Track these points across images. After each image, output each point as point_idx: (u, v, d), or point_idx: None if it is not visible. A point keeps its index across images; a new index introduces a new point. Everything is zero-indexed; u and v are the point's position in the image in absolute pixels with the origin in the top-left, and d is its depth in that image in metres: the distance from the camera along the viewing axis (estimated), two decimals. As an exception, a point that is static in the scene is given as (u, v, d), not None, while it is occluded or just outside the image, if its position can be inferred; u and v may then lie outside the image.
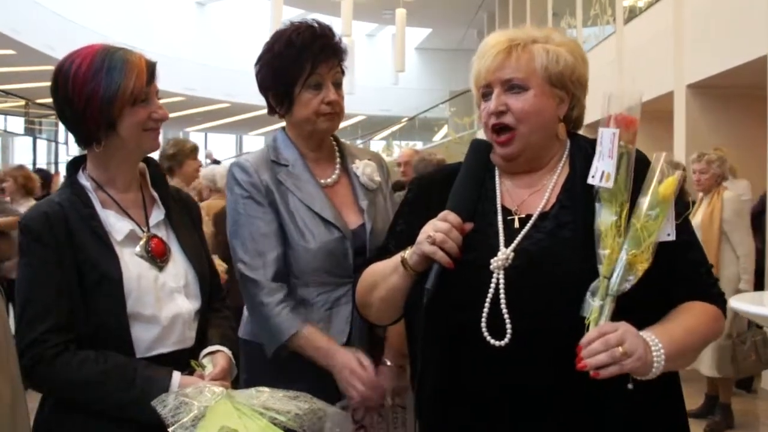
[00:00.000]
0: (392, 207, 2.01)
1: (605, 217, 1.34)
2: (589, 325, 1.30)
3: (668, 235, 1.37)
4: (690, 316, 1.39)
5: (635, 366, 1.25)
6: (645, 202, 1.34)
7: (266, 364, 1.84)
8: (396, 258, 1.46)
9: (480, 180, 1.49)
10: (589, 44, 10.33)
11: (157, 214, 1.66)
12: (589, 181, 1.38)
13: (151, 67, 1.58)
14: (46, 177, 8.94)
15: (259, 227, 1.83)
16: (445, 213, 1.40)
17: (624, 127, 1.35)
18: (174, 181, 4.28)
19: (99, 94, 1.50)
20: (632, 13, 8.84)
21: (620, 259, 1.32)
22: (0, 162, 21.59)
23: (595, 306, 1.31)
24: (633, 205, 1.36)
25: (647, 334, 1.30)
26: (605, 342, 1.24)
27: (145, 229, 1.62)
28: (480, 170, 1.49)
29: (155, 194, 1.69)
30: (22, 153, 21.34)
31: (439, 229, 1.37)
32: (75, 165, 1.64)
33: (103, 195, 1.60)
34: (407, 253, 1.43)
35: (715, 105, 7.16)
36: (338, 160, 2.00)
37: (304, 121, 1.89)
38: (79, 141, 1.59)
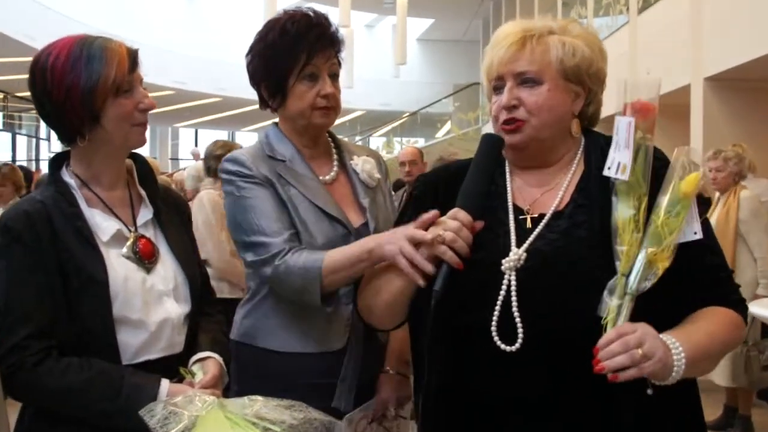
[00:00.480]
0: (392, 205, 2.01)
1: (622, 212, 1.34)
2: (606, 325, 1.30)
3: (695, 233, 1.38)
4: (710, 322, 1.39)
5: (655, 369, 1.25)
6: (665, 198, 1.34)
7: (258, 370, 1.84)
8: None
9: (491, 176, 1.48)
10: (601, 35, 10.29)
11: (145, 213, 1.66)
12: (605, 173, 1.38)
13: (132, 55, 1.57)
14: (26, 174, 8.94)
15: (272, 207, 1.80)
16: (455, 211, 1.39)
17: (641, 116, 1.36)
18: (217, 185, 4.29)
19: (79, 84, 1.50)
20: (647, 2, 8.84)
21: (639, 257, 1.32)
22: (-23, 159, 21.59)
23: (613, 305, 1.31)
24: (652, 200, 1.36)
25: (667, 337, 1.30)
26: (624, 343, 1.24)
27: (133, 229, 1.62)
28: (491, 166, 1.48)
29: (143, 192, 1.69)
30: (1, 149, 21.36)
31: (449, 228, 1.37)
32: (58, 161, 1.64)
33: (88, 193, 1.60)
34: None
35: (734, 99, 7.15)
36: (335, 156, 1.99)
37: (299, 115, 1.88)
38: (62, 137, 1.59)
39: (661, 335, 1.30)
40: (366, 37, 23.77)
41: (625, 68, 9.07)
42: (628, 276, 1.32)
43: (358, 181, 1.95)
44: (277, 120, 1.98)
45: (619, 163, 1.35)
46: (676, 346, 1.28)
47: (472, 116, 16.66)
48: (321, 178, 1.91)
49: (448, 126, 21.14)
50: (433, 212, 1.43)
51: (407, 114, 21.62)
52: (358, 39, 17.45)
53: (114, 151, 1.61)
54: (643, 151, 1.35)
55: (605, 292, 1.32)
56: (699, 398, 1.48)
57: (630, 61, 9.04)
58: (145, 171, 1.71)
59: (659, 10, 8.50)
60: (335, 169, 1.96)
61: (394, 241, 1.47)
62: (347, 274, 1.66)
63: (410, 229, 1.44)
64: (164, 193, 1.75)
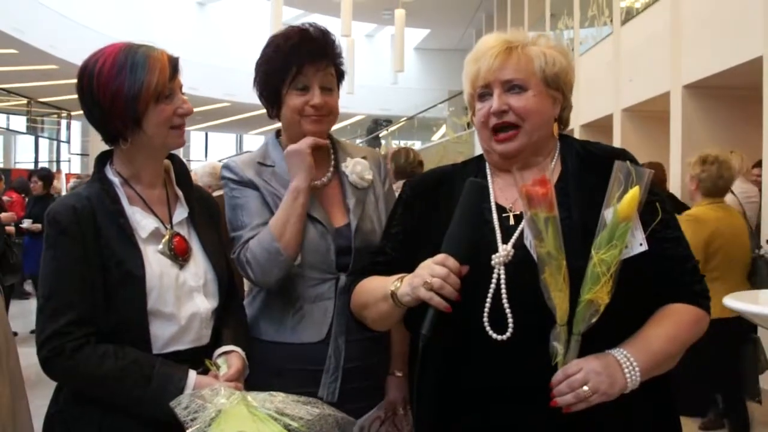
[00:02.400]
0: (386, 205, 1.98)
1: (548, 275, 1.33)
2: (557, 365, 1.34)
3: (640, 245, 1.36)
4: (672, 323, 1.41)
5: (601, 399, 1.31)
6: (604, 232, 1.33)
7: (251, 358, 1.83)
8: (385, 287, 1.44)
9: (477, 223, 1.42)
10: (586, 45, 10.33)
11: (181, 212, 1.67)
12: (525, 242, 1.39)
13: (173, 63, 1.59)
14: (47, 176, 8.88)
15: (257, 205, 1.84)
16: (443, 257, 1.34)
17: (534, 202, 1.33)
18: None
19: (124, 91, 1.51)
20: (629, 14, 8.84)
21: (579, 302, 1.33)
22: (2, 161, 21.61)
23: (559, 350, 1.34)
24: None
25: (621, 353, 1.34)
26: (569, 384, 1.32)
27: (169, 227, 1.62)
28: (477, 212, 1.42)
29: (179, 192, 1.69)
30: (24, 152, 21.36)
31: (437, 275, 1.32)
32: (102, 159, 1.64)
33: (129, 191, 1.61)
34: (400, 289, 1.39)
35: (711, 105, 7.16)
36: (332, 160, 1.97)
37: (291, 123, 1.88)
38: (106, 138, 1.60)
39: (617, 351, 1.35)
40: (366, 46, 23.74)
41: (609, 76, 9.07)
42: (568, 323, 1.34)
43: (347, 182, 1.93)
44: (280, 125, 1.98)
45: (529, 240, 1.37)
46: (630, 362, 1.33)
47: (466, 120, 16.61)
48: (312, 182, 1.88)
49: (443, 130, 21.11)
50: None
51: (405, 118, 21.60)
52: (358, 48, 17.43)
53: (154, 152, 1.62)
54: (551, 227, 1.32)
55: (551, 338, 1.34)
56: (669, 384, 1.51)
57: (614, 70, 9.03)
58: (181, 172, 1.72)
59: (641, 22, 8.50)
60: (329, 174, 1.94)
61: (301, 166, 1.78)
62: (294, 221, 1.77)
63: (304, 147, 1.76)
64: (198, 193, 1.75)
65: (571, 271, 1.34)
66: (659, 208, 1.42)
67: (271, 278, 1.80)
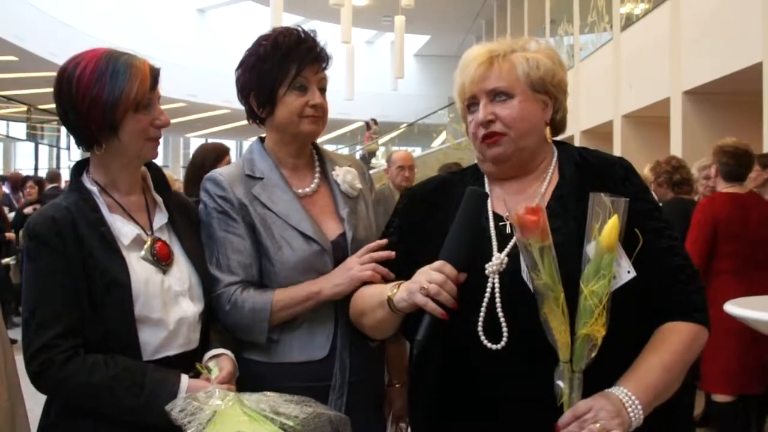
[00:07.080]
0: (374, 215, 1.95)
1: (547, 307, 1.31)
2: (563, 405, 1.32)
3: (628, 272, 1.35)
4: (667, 350, 1.38)
5: None
6: (588, 266, 1.32)
7: (246, 379, 1.74)
8: (382, 294, 1.45)
9: (475, 230, 1.42)
10: (586, 51, 10.35)
11: (160, 218, 1.66)
12: (523, 275, 1.36)
13: (154, 73, 1.58)
14: (42, 182, 8.89)
15: (233, 243, 1.76)
16: (441, 264, 1.35)
17: (527, 230, 1.31)
18: None
19: (102, 97, 1.50)
20: (629, 21, 8.87)
21: (576, 339, 1.31)
22: (2, 167, 21.65)
23: (564, 388, 1.32)
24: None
25: (623, 392, 1.31)
26: (580, 425, 1.28)
27: (150, 233, 1.62)
28: (476, 220, 1.42)
29: (158, 198, 1.69)
30: (24, 158, 21.40)
31: (434, 281, 1.33)
32: (79, 168, 1.64)
33: (108, 199, 1.60)
34: (396, 295, 1.40)
35: (711, 111, 7.18)
36: (317, 167, 1.93)
37: (288, 123, 1.82)
38: (80, 143, 1.59)
39: (618, 390, 1.31)
40: (366, 52, 23.82)
41: (609, 82, 9.08)
42: (569, 361, 1.32)
43: (338, 191, 1.88)
44: (263, 135, 1.93)
45: (527, 273, 1.35)
46: (632, 401, 1.30)
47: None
48: (301, 191, 1.85)
49: (443, 136, 21.16)
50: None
51: (405, 125, 21.63)
52: (358, 54, 17.50)
53: (129, 161, 1.61)
54: (547, 255, 1.31)
55: (555, 377, 1.32)
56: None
57: (614, 75, 9.05)
58: (158, 178, 1.72)
59: (640, 28, 8.53)
60: (316, 180, 1.90)
61: (342, 282, 1.66)
62: (294, 311, 1.73)
63: (355, 271, 1.63)
64: (176, 198, 1.75)
65: (565, 278, 1.32)
66: (652, 217, 1.43)
67: (237, 336, 1.77)
